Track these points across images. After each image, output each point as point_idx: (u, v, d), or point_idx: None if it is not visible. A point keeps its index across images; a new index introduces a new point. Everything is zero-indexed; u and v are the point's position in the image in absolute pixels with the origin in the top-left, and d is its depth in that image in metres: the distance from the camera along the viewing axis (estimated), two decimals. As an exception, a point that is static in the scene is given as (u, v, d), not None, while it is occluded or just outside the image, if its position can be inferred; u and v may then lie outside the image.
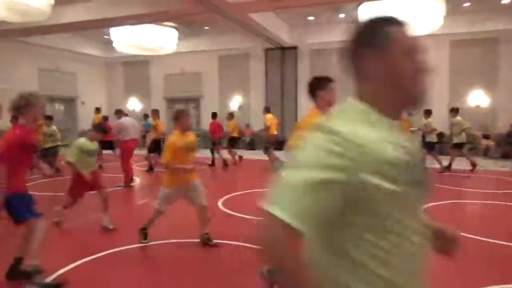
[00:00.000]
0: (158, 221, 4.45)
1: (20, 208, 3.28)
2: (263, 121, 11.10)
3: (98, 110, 14.09)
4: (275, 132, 10.84)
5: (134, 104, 19.24)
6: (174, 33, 14.72)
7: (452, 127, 10.22)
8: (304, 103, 15.81)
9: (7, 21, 9.99)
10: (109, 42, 15.67)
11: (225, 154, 11.59)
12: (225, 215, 5.84)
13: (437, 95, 14.40)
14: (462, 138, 9.94)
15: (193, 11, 11.13)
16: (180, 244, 4.55)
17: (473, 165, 9.96)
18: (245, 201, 7.01)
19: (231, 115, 12.47)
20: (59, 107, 17.73)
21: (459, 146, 10.00)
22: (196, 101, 18.29)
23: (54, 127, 9.53)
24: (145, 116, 12.82)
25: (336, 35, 14.98)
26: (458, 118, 10.02)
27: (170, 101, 18.62)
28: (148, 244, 4.40)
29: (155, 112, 10.68)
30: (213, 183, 9.51)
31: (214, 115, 12.24)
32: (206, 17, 12.48)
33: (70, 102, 18.01)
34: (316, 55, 15.96)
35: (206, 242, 4.38)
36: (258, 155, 14.20)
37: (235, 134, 12.07)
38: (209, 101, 17.70)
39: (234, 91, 17.38)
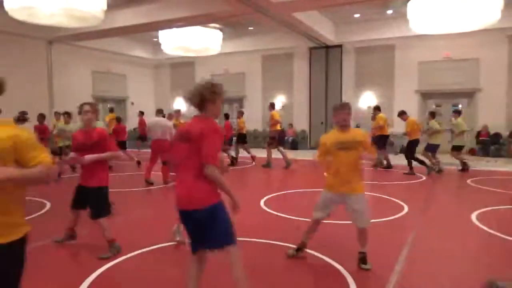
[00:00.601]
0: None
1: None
2: (274, 117, 10.95)
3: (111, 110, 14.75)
4: (279, 128, 11.07)
5: (180, 104, 19.77)
6: (219, 35, 14.98)
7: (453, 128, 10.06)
8: (349, 101, 15.51)
9: (65, 27, 10.67)
10: (158, 44, 16.23)
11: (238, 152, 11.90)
12: (267, 215, 5.85)
13: (495, 93, 13.56)
14: (462, 140, 9.97)
15: (238, 12, 11.26)
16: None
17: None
18: (286, 201, 6.99)
19: (241, 113, 12.55)
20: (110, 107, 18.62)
21: (458, 148, 9.92)
22: (239, 101, 18.49)
23: (72, 125, 9.49)
24: (169, 116, 13.03)
25: (383, 32, 14.65)
26: (459, 119, 9.96)
27: (215, 101, 18.92)
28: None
29: (177, 113, 11.24)
30: (254, 182, 9.58)
31: (226, 116, 12.42)
32: (250, 18, 12.58)
33: (120, 102, 18.86)
34: (362, 53, 15.60)
35: (360, 262, 3.73)
36: (300, 155, 14.10)
37: (244, 131, 12.14)
38: (252, 101, 17.82)
39: (277, 90, 17.38)
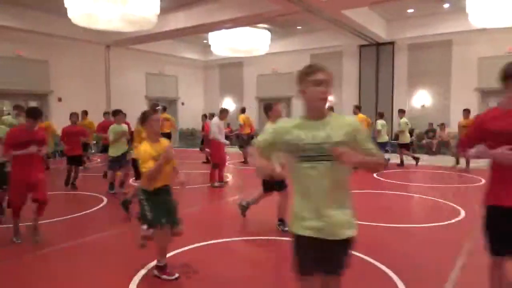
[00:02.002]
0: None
1: None
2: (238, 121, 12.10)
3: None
4: (249, 131, 11.84)
5: (228, 104, 20.12)
6: (267, 35, 15.03)
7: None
8: (400, 100, 14.93)
9: (121, 31, 11.23)
10: (207, 46, 16.60)
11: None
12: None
13: None
14: (406, 138, 11.00)
15: (287, 12, 11.22)
16: (270, 241, 4.62)
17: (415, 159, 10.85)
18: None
19: (243, 110, 12.67)
20: (163, 106, 19.36)
21: (405, 146, 10.99)
22: (287, 100, 18.44)
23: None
24: (211, 115, 13.19)
25: (439, 27, 13.94)
26: (405, 119, 11.07)
27: (262, 101, 19.06)
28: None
29: (224, 113, 11.24)
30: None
31: (243, 110, 12.68)
32: (298, 17, 12.49)
33: (172, 103, 19.52)
34: (415, 50, 14.94)
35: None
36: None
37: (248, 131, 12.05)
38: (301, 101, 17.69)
39: (325, 90, 17.11)
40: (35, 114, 4.47)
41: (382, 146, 10.33)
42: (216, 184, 8.13)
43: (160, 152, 3.33)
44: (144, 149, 3.36)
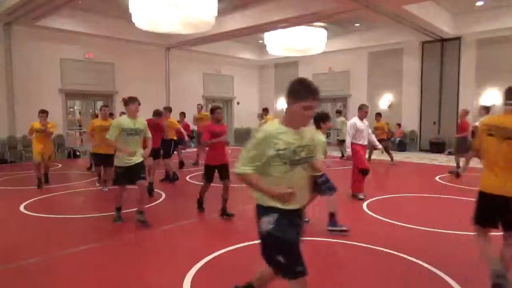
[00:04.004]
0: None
1: None
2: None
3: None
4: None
5: (283, 104, 20.13)
6: (323, 33, 14.78)
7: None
8: (466, 100, 13.94)
9: (181, 34, 11.67)
10: (263, 46, 16.70)
11: None
12: (370, 218, 5.59)
13: None
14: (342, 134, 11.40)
15: (345, 9, 10.96)
16: (325, 242, 4.54)
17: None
18: (390, 204, 6.59)
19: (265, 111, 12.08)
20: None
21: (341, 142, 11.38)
22: (343, 99, 18.04)
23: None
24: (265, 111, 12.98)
25: (512, 20, 12.82)
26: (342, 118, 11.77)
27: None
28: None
29: (265, 110, 11.37)
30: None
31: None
32: (356, 14, 12.12)
33: (227, 102, 19.91)
34: (485, 45, 13.86)
35: None
36: (409, 157, 13.18)
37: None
38: (357, 99, 17.21)
39: (384, 88, 16.49)
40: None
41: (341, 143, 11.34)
42: (361, 196, 6.67)
43: None
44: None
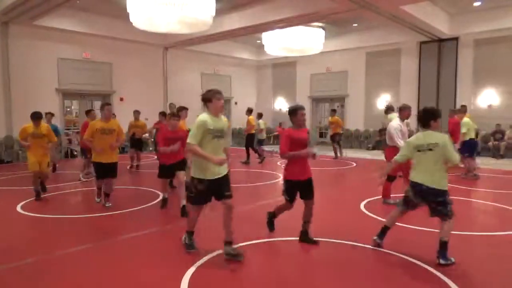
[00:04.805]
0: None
1: None
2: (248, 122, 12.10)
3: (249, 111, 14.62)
4: (253, 132, 12.18)
5: (281, 104, 20.13)
6: (321, 33, 14.78)
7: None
8: (464, 100, 13.96)
9: (179, 33, 11.65)
10: (261, 46, 16.70)
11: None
12: (368, 218, 5.60)
13: None
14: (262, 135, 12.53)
15: (342, 9, 10.96)
16: (323, 243, 4.54)
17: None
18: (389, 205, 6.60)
19: (249, 111, 12.63)
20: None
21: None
22: (341, 99, 18.06)
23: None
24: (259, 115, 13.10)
25: (509, 21, 12.86)
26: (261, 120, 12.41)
27: (315, 100, 18.84)
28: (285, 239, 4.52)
29: (249, 111, 12.02)
30: (355, 185, 9.24)
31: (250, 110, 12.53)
32: (354, 14, 12.13)
33: (225, 102, 19.87)
34: (482, 46, 13.91)
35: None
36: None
37: (253, 131, 12.44)
38: (355, 100, 17.26)
39: (381, 89, 16.52)
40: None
41: (260, 142, 12.47)
42: (391, 201, 6.23)
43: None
44: None
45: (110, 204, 6.22)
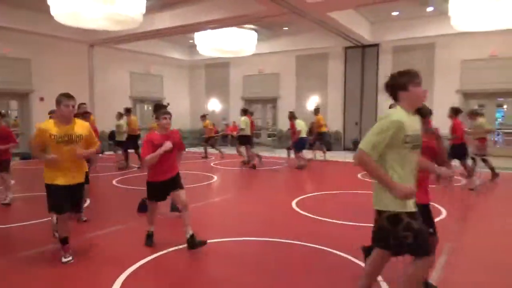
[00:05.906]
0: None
1: None
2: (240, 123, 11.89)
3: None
4: (249, 133, 11.81)
5: (214, 105, 20.07)
6: (254, 35, 15.02)
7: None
8: (385, 102, 15.06)
9: (106, 30, 11.07)
10: (193, 46, 16.49)
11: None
12: (299, 216, 5.81)
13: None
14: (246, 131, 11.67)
15: (272, 13, 11.23)
16: (257, 242, 4.62)
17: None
18: (319, 202, 6.91)
19: (203, 117, 13.79)
20: (147, 107, 19.13)
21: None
22: (273, 101, 18.49)
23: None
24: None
25: (423, 30, 14.17)
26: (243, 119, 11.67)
27: (248, 101, 19.07)
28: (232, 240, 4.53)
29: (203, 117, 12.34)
30: (288, 183, 9.53)
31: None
32: (285, 18, 12.50)
33: (157, 103, 19.34)
34: (400, 52, 15.15)
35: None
36: (334, 156, 13.88)
37: (212, 134, 13.81)
38: (286, 101, 17.77)
39: (311, 91, 17.21)
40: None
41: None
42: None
43: None
44: None
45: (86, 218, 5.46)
